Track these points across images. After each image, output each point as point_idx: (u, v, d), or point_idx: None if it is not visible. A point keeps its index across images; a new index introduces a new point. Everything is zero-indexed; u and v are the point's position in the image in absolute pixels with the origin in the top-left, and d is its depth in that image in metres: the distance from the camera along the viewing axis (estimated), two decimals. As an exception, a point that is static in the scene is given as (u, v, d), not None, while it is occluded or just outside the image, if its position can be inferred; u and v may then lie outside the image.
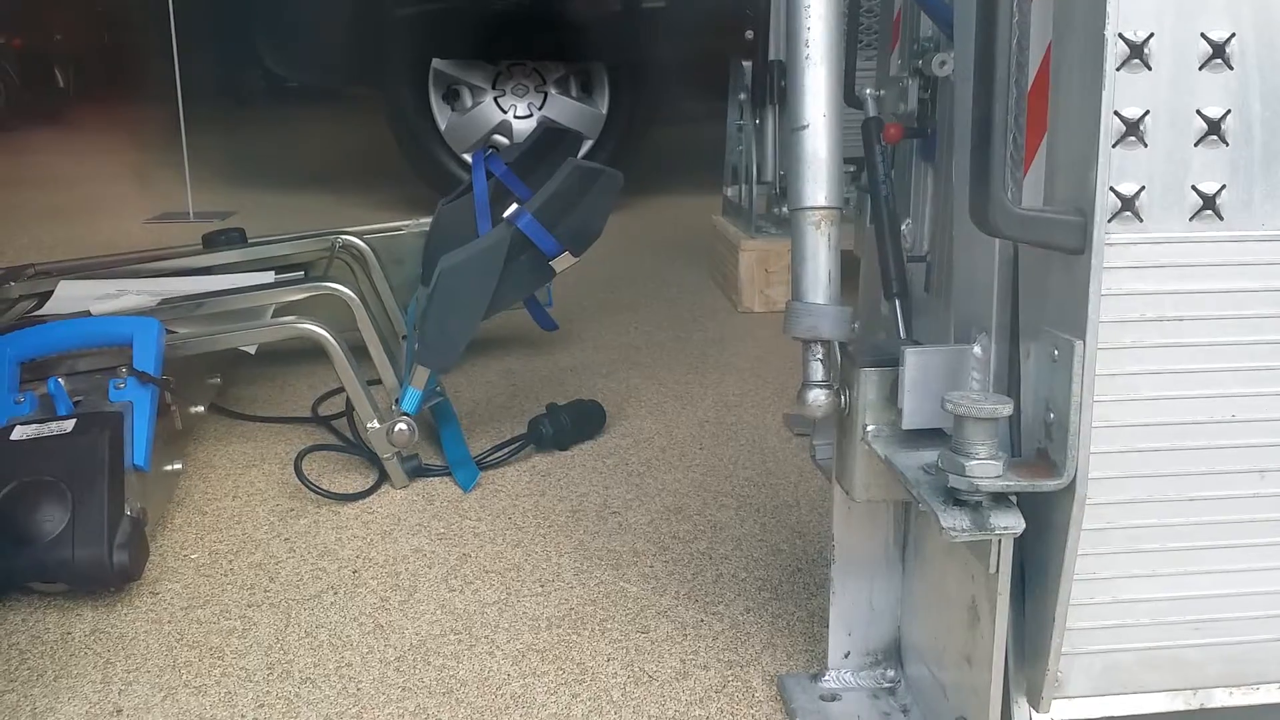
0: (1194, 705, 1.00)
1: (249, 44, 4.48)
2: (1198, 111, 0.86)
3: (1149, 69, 0.85)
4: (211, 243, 2.45)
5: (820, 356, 1.04)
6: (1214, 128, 0.86)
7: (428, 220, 2.36)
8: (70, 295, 2.17)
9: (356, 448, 1.91)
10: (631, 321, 2.81)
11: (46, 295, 2.19)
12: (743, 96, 3.04)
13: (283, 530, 1.68)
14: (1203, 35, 0.85)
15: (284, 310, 2.04)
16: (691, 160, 4.33)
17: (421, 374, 1.81)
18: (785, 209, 2.80)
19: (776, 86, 2.77)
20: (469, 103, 4.04)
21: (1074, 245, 0.85)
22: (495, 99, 4.06)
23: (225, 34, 5.10)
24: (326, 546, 1.63)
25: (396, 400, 1.83)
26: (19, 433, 1.51)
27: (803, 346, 1.04)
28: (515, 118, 4.06)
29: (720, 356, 2.52)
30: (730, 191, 3.20)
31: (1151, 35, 0.84)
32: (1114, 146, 0.85)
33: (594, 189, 1.85)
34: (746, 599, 1.47)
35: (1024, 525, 0.89)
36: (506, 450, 1.92)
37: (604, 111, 4.05)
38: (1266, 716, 1.08)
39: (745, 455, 1.95)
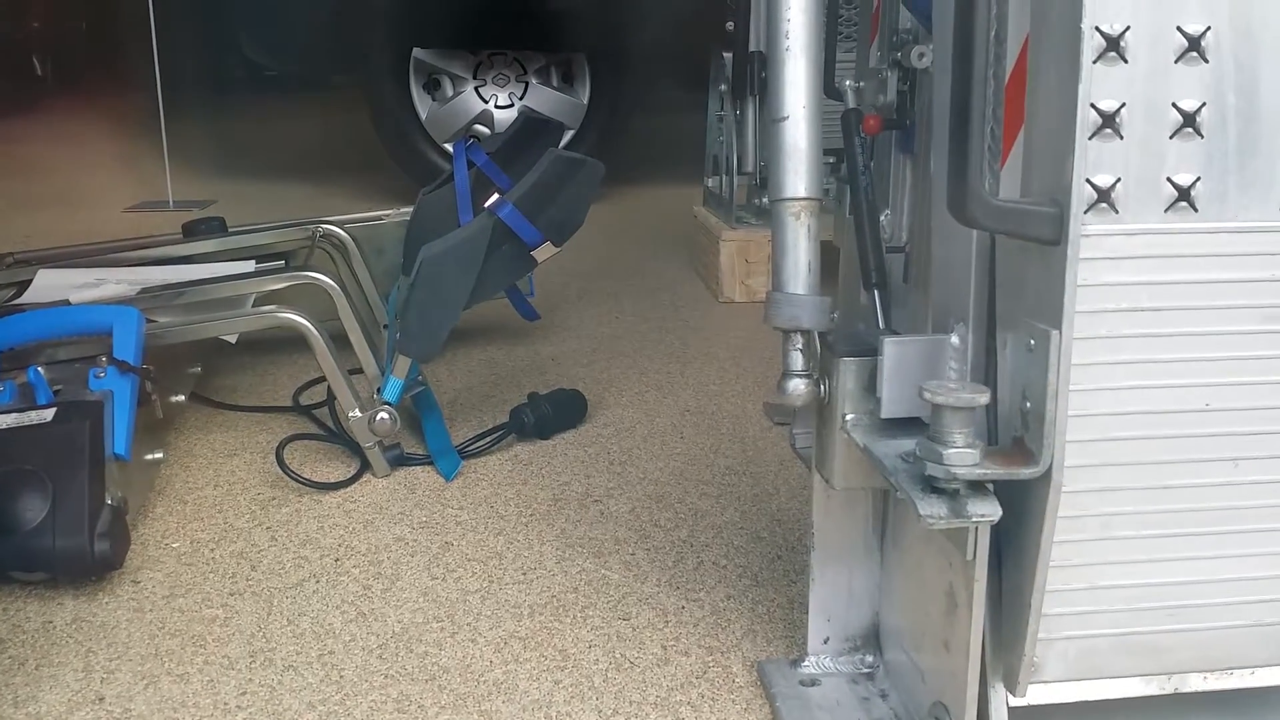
0: (1168, 690, 1.02)
1: (229, 32, 4.45)
2: (1173, 104, 0.87)
3: (1125, 62, 0.86)
4: (192, 232, 2.44)
5: (800, 346, 1.05)
6: (1189, 120, 0.87)
7: (409, 210, 2.35)
8: (49, 284, 2.16)
9: (338, 437, 1.91)
10: (613, 311, 2.81)
11: (25, 284, 2.18)
12: (723, 87, 3.04)
13: (264, 519, 1.68)
14: (1178, 28, 0.86)
15: (265, 299, 2.04)
16: (672, 151, 4.33)
17: (403, 363, 1.81)
18: (766, 200, 2.80)
19: (757, 78, 2.76)
20: (450, 92, 4.02)
21: (1050, 236, 0.86)
22: (476, 89, 4.04)
23: (205, 22, 5.06)
24: (308, 535, 1.63)
25: (378, 389, 1.83)
26: (-1, 422, 1.51)
27: (783, 336, 1.05)
28: (496, 107, 4.05)
29: (701, 346, 2.53)
30: (711, 182, 3.20)
31: (1128, 28, 0.85)
32: (1090, 139, 0.86)
33: (575, 179, 1.85)
34: (727, 586, 1.48)
35: (1000, 513, 0.90)
36: (488, 439, 1.92)
37: (585, 101, 4.05)
38: (1239, 701, 1.09)
39: (726, 444, 1.96)
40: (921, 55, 1.06)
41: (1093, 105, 0.85)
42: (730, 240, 2.90)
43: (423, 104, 4.00)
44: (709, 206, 3.19)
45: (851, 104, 1.19)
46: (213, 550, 1.59)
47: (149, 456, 1.74)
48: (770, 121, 1.03)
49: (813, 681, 1.23)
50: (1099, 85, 0.85)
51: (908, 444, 0.98)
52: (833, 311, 1.06)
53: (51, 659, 1.33)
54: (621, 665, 1.31)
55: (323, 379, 1.86)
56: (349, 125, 4.94)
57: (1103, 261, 0.88)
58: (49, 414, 1.52)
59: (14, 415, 1.52)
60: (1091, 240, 0.87)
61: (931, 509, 0.90)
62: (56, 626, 1.40)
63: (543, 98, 4.03)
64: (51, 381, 1.61)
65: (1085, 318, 0.87)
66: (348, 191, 4.23)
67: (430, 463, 1.86)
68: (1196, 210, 0.88)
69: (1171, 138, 0.87)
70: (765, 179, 2.84)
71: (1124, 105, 0.86)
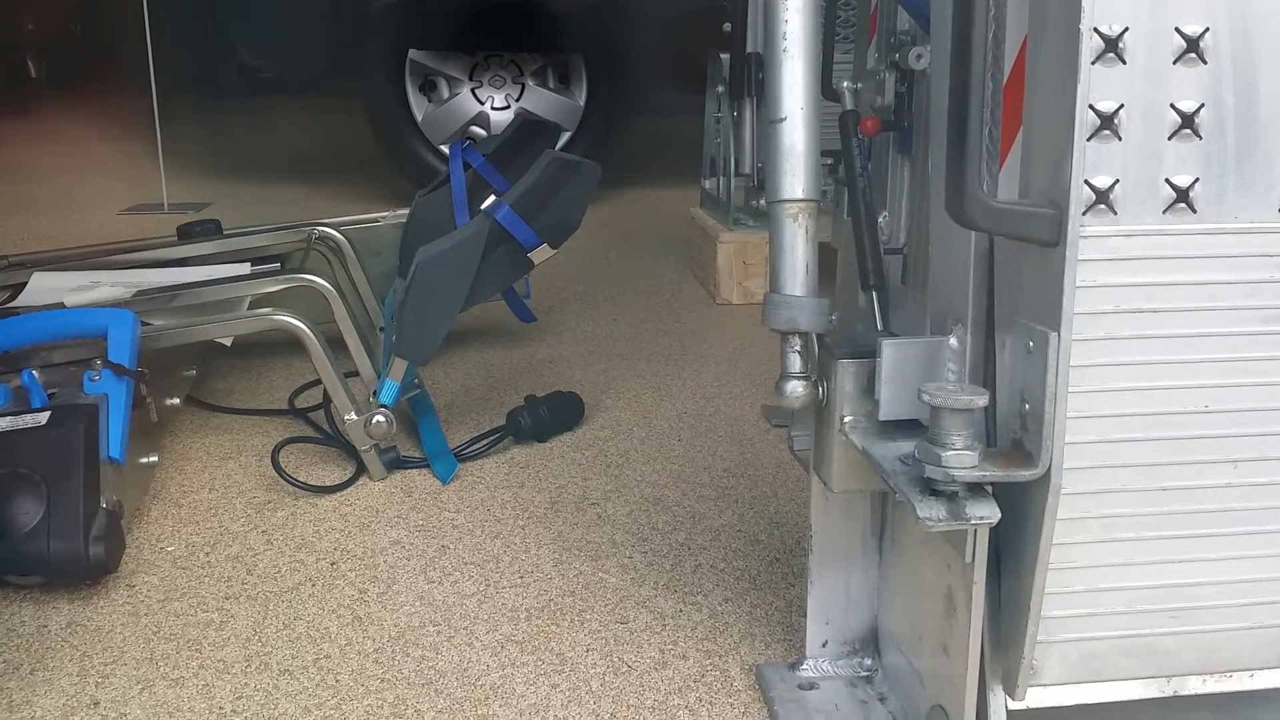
0: (1168, 692, 1.01)
1: (224, 34, 4.45)
2: (1172, 105, 0.87)
3: (1124, 63, 0.85)
4: (187, 234, 2.44)
5: (798, 348, 1.04)
6: (1188, 121, 0.87)
7: (405, 212, 2.35)
8: (44, 287, 2.15)
9: (334, 440, 1.90)
10: (610, 313, 2.81)
11: (20, 287, 2.17)
12: (721, 89, 3.04)
13: (260, 522, 1.68)
14: (1177, 29, 0.86)
15: (260, 302, 2.03)
16: (669, 152, 4.33)
17: (399, 366, 1.80)
18: (763, 201, 2.80)
19: (754, 79, 2.77)
20: (446, 94, 4.02)
21: (1049, 238, 0.86)
22: (472, 90, 4.04)
23: (200, 24, 5.06)
24: (304, 539, 1.63)
25: (374, 392, 1.82)
26: (-7, 425, 1.50)
27: (781, 338, 1.05)
28: (492, 109, 4.04)
29: (698, 348, 2.52)
30: (708, 184, 3.20)
31: (1126, 29, 0.85)
32: (1089, 140, 0.86)
33: (572, 181, 1.85)
34: (725, 589, 1.48)
35: (999, 515, 0.90)
36: (485, 442, 1.92)
37: (582, 103, 4.04)
38: (1238, 704, 1.09)
39: (724, 446, 1.96)
40: (919, 57, 1.06)
41: (1091, 106, 0.85)
42: (728, 242, 2.90)
43: (419, 106, 3.99)
44: (706, 208, 3.19)
45: (849, 105, 1.19)
46: (208, 554, 1.58)
47: (144, 460, 1.73)
48: (768, 123, 1.03)
49: (811, 685, 1.23)
50: (1097, 86, 0.85)
51: (906, 446, 0.97)
52: (831, 313, 1.05)
53: (46, 663, 1.32)
54: (619, 669, 1.31)
55: (318, 382, 1.85)
56: (345, 127, 4.94)
57: (1101, 263, 0.87)
58: (44, 417, 1.52)
59: (8, 419, 1.51)
60: (1090, 242, 0.86)
61: (930, 511, 0.89)
62: (51, 631, 1.39)
63: (539, 99, 4.03)
64: (46, 384, 1.61)
65: (1084, 319, 0.87)
66: (344, 193, 4.23)
67: (426, 466, 1.85)
68: (1195, 211, 0.88)
69: (1170, 139, 0.87)
70: (763, 180, 2.83)
71: (1122, 106, 0.86)
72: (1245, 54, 0.87)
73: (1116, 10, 0.85)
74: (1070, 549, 0.93)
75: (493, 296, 2.12)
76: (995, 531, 0.94)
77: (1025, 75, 0.90)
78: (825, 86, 1.18)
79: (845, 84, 1.21)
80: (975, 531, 0.94)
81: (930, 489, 0.91)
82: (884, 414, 1.02)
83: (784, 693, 1.22)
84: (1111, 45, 0.85)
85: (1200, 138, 0.87)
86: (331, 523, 1.67)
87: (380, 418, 1.77)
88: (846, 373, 1.05)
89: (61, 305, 1.98)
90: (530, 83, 4.06)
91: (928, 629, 1.08)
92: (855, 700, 1.20)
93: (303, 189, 4.48)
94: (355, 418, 1.77)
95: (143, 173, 4.47)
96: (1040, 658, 0.97)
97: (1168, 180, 0.88)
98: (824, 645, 1.25)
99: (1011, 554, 0.96)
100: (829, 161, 1.66)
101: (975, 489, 0.90)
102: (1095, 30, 0.84)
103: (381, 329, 2.25)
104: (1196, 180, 0.88)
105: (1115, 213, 0.87)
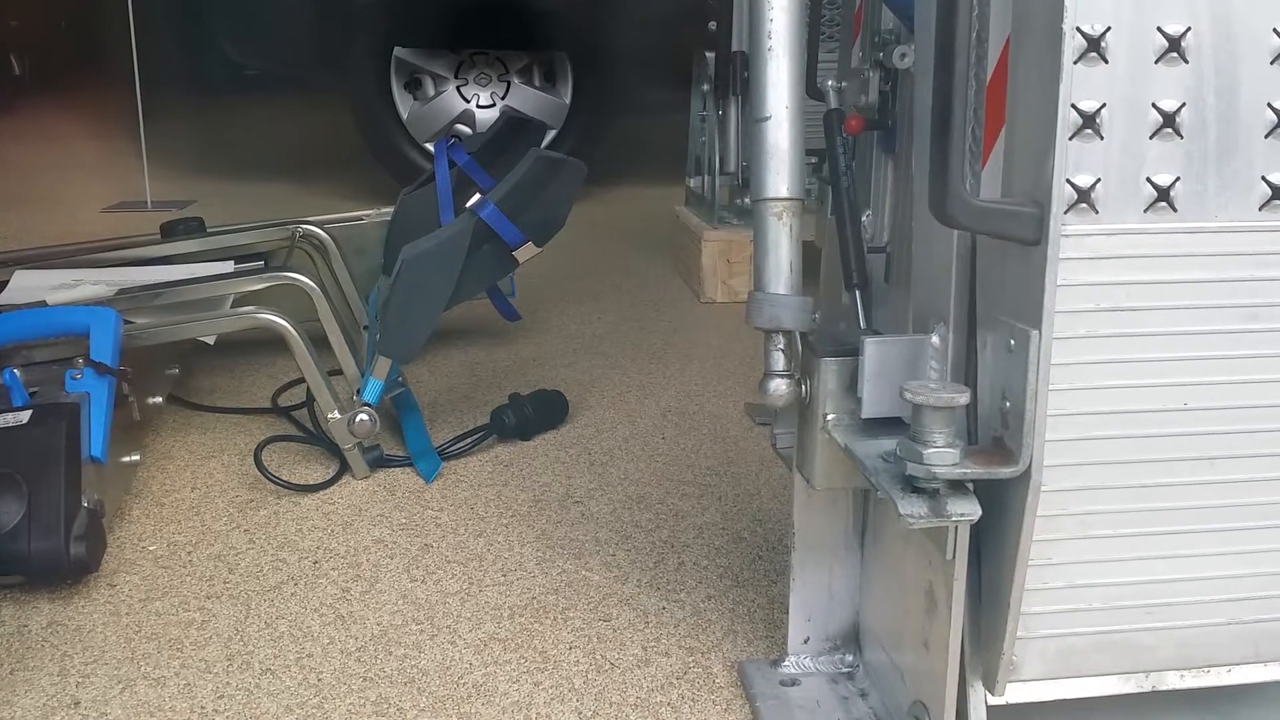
0: (1145, 688, 1.02)
1: (209, 31, 4.43)
2: (1153, 104, 0.87)
3: (1106, 62, 0.86)
4: (170, 232, 2.42)
5: (782, 346, 1.05)
6: (1169, 121, 0.87)
7: (389, 210, 2.35)
8: (26, 285, 2.14)
9: (317, 438, 1.90)
10: (594, 311, 2.81)
11: (2, 285, 2.16)
12: (706, 88, 3.04)
13: (242, 521, 1.67)
14: (1159, 29, 0.86)
15: (243, 300, 2.02)
16: (655, 151, 4.33)
17: (383, 364, 1.80)
18: (748, 200, 2.81)
19: (739, 78, 2.77)
20: (431, 92, 4.01)
21: (1030, 236, 0.86)
22: (458, 88, 4.03)
23: (185, 21, 5.03)
24: (286, 538, 1.62)
25: (358, 391, 1.82)
26: (-27, 423, 1.49)
27: (764, 337, 1.05)
28: (478, 107, 4.04)
29: (682, 346, 2.53)
30: (693, 182, 3.20)
31: (1109, 29, 0.85)
32: (1071, 139, 0.86)
33: (557, 179, 1.84)
34: (708, 586, 1.48)
35: (980, 512, 0.90)
36: (469, 440, 1.92)
37: (567, 101, 4.04)
38: (1215, 699, 1.10)
39: (707, 444, 1.96)
40: (903, 56, 1.06)
41: (1073, 106, 0.85)
42: (712, 240, 2.90)
43: (404, 103, 3.98)
44: (691, 207, 3.19)
45: (834, 104, 1.19)
46: (190, 553, 1.58)
47: (126, 459, 1.73)
48: (752, 121, 1.03)
49: (793, 681, 1.23)
50: (1080, 86, 0.85)
51: (888, 444, 0.98)
52: (814, 312, 1.05)
53: (26, 663, 1.32)
54: (602, 667, 1.31)
55: (302, 380, 1.85)
56: (330, 125, 4.93)
57: (1082, 261, 0.88)
58: (25, 416, 1.51)
59: (-11, 416, 1.50)
60: (1071, 240, 0.87)
61: (911, 508, 0.90)
62: (31, 630, 1.38)
63: (525, 97, 4.02)
64: (28, 383, 1.60)
65: (1065, 317, 0.88)
66: (328, 191, 4.21)
67: (410, 464, 1.85)
68: (1176, 210, 0.89)
69: (1151, 138, 0.88)
70: (747, 179, 2.84)
71: (1104, 106, 0.86)
72: (1226, 54, 0.87)
73: (1099, 10, 0.85)
74: (1049, 546, 0.94)
75: (477, 295, 2.12)
76: (976, 528, 0.95)
77: (1008, 74, 0.90)
78: (810, 85, 1.18)
79: (830, 83, 1.21)
80: (956, 528, 0.94)
81: (912, 486, 0.91)
82: (866, 412, 1.03)
83: (766, 689, 1.22)
84: (1094, 45, 0.85)
85: (1181, 137, 0.88)
86: (314, 521, 1.67)
87: (364, 416, 1.76)
88: (829, 371, 1.05)
89: (43, 303, 1.97)
90: (516, 80, 4.05)
91: (909, 625, 1.08)
92: (837, 696, 1.21)
93: (287, 187, 4.46)
94: (338, 416, 1.76)
95: (126, 171, 4.45)
96: (1020, 653, 0.97)
97: (1149, 179, 0.88)
98: (806, 642, 1.25)
99: (992, 551, 0.97)
100: (813, 160, 1.66)
101: (956, 486, 0.91)
102: (1078, 30, 0.84)
103: (365, 327, 2.25)
104: (1177, 179, 0.88)
105: (1097, 211, 0.88)
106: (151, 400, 1.90)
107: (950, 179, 0.85)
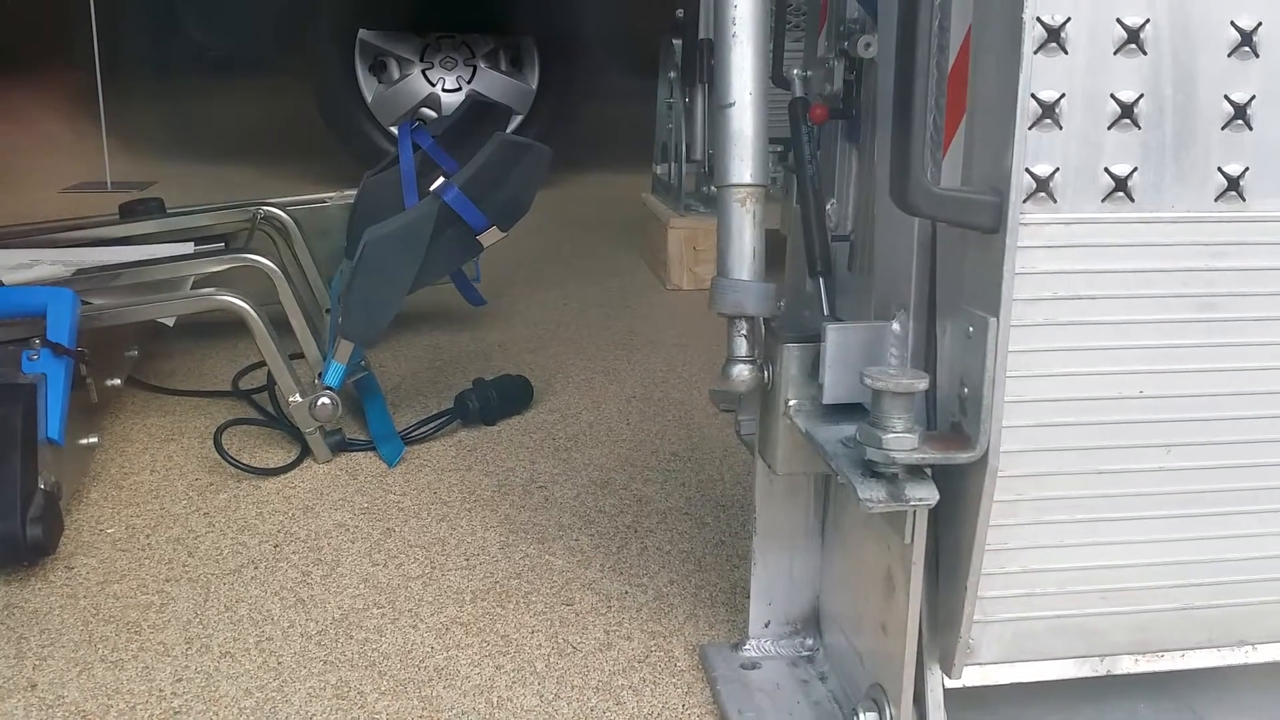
0: (1101, 671, 1.03)
1: (171, 11, 4.37)
2: (1112, 95, 0.88)
3: (1065, 53, 0.87)
4: (129, 212, 2.40)
5: (744, 332, 1.05)
6: (1127, 111, 0.88)
7: (353, 192, 2.33)
8: (-19, 264, 2.11)
9: (278, 422, 1.88)
10: (560, 298, 2.81)
11: (-43, 264, 2.13)
12: (673, 75, 3.04)
13: (202, 505, 1.66)
14: (1118, 20, 0.87)
15: (204, 282, 2.01)
16: (621, 137, 4.32)
17: (345, 348, 1.79)
18: (714, 188, 2.81)
19: (706, 65, 2.77)
20: (396, 75, 3.99)
21: (989, 224, 0.87)
22: (423, 72, 4.01)
23: (146, 0, 4.97)
24: (247, 521, 1.61)
25: (320, 374, 1.81)
26: (-73, 404, 1.47)
27: (728, 322, 1.05)
28: (443, 91, 4.02)
29: (648, 333, 2.53)
30: (660, 169, 3.20)
31: (1069, 19, 0.86)
32: (1030, 128, 0.87)
33: (522, 163, 1.84)
34: (670, 571, 1.48)
35: (938, 497, 0.91)
36: (432, 425, 1.91)
37: (534, 87, 4.03)
38: (1169, 683, 1.12)
39: (672, 430, 1.96)
40: (868, 45, 1.07)
41: (1033, 95, 0.86)
42: (678, 228, 2.91)
43: (368, 86, 3.96)
44: (658, 194, 3.19)
45: (799, 93, 1.19)
46: (149, 536, 1.57)
47: (83, 441, 1.71)
48: (716, 107, 1.03)
49: (753, 665, 1.24)
50: (1039, 76, 0.86)
51: (849, 429, 0.98)
52: (779, 298, 1.06)
53: (-19, 646, 1.30)
54: (564, 650, 1.31)
55: (263, 363, 1.83)
56: (293, 107, 4.88)
57: (1040, 250, 0.89)
58: (-20, 396, 1.49)
59: (-57, 397, 1.48)
60: (1030, 229, 0.88)
61: (870, 493, 0.90)
62: (-13, 613, 1.37)
63: (491, 82, 4.01)
64: (-17, 364, 1.58)
65: (1023, 305, 0.88)
66: (291, 174, 4.18)
67: (372, 448, 1.84)
68: (1133, 200, 0.90)
69: (1110, 128, 0.88)
70: (713, 167, 2.82)
71: (1064, 96, 0.87)
72: (1185, 46, 0.88)
73: (1059, 1, 0.86)
74: (1006, 530, 0.95)
75: (441, 279, 2.11)
76: (934, 513, 0.96)
77: (969, 64, 0.91)
78: (775, 73, 1.19)
79: (795, 71, 1.21)
80: (914, 513, 0.95)
81: (871, 471, 0.92)
82: (828, 398, 1.03)
83: (726, 672, 1.23)
84: (1054, 35, 0.86)
85: (1139, 128, 0.89)
86: (275, 505, 1.66)
87: (325, 400, 1.75)
88: (791, 356, 1.06)
89: (0, 283, 1.94)
90: (482, 65, 4.04)
91: (868, 609, 1.09)
92: (796, 679, 1.22)
93: (250, 169, 4.42)
94: (300, 400, 1.75)
95: (86, 151, 4.39)
96: (976, 637, 0.99)
97: (1107, 169, 0.89)
98: (766, 626, 1.26)
99: (949, 535, 0.98)
100: (778, 149, 1.67)
101: (915, 471, 0.91)
102: (1038, 20, 0.85)
103: (328, 310, 2.24)
104: (1135, 169, 0.89)
105: (1055, 200, 0.89)
106: (110, 382, 1.88)
107: (911, 167, 0.86)
